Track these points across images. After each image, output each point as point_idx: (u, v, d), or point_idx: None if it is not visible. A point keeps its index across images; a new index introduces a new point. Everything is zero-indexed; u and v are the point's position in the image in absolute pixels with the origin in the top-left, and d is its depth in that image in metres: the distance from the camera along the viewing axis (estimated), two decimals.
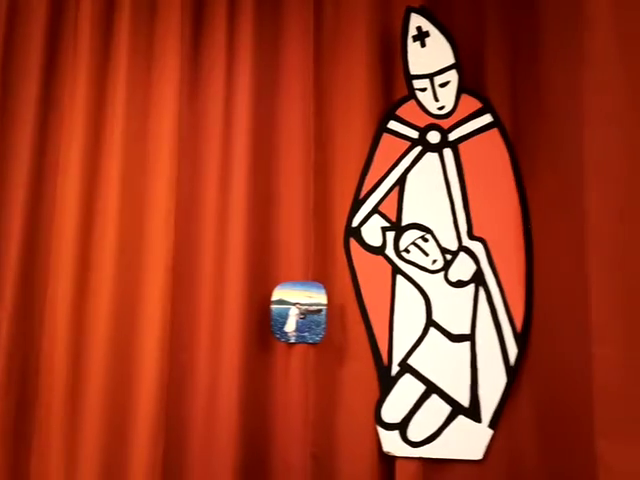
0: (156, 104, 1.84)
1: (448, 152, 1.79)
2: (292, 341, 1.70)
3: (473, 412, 1.63)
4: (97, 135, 1.83)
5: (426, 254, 1.74)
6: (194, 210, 1.83)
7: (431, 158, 1.80)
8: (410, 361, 1.68)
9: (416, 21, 1.78)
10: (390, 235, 1.76)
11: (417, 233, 1.75)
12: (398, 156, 1.81)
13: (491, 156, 1.78)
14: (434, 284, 1.72)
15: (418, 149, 1.80)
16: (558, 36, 1.74)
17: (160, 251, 1.74)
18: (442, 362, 1.67)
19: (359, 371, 1.69)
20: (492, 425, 1.61)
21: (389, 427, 1.64)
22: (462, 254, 1.73)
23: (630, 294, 1.52)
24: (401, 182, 1.79)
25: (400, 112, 1.83)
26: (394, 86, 1.85)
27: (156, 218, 1.77)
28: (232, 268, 1.75)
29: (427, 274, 1.73)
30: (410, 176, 1.80)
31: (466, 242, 1.73)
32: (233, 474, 1.62)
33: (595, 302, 1.54)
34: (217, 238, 1.80)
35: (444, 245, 1.74)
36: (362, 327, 1.72)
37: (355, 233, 1.78)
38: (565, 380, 1.59)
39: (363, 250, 1.77)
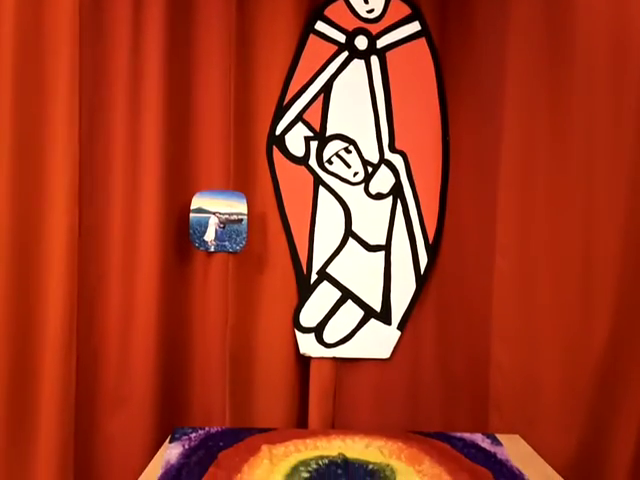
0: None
1: (375, 60, 1.74)
2: (212, 250, 1.68)
3: (384, 316, 1.75)
4: None
5: (348, 166, 1.74)
6: (102, 113, 1.66)
7: (358, 65, 1.75)
8: (328, 270, 1.74)
9: None
10: (314, 145, 1.73)
11: (341, 144, 1.74)
12: (324, 61, 1.73)
13: (417, 66, 1.76)
14: (354, 196, 1.75)
15: (345, 55, 1.74)
16: None
17: (63, 156, 1.58)
18: (358, 270, 1.74)
19: (279, 279, 1.73)
20: (400, 327, 1.75)
21: (306, 330, 1.73)
22: (383, 167, 1.75)
23: (530, 212, 1.67)
24: (327, 89, 1.74)
25: (328, 12, 1.73)
26: None
27: (57, 120, 1.58)
28: (147, 175, 1.65)
29: (348, 186, 1.75)
30: (336, 83, 1.74)
31: (388, 155, 1.75)
32: (152, 381, 1.65)
33: (500, 217, 1.68)
34: (130, 143, 1.66)
35: (366, 157, 1.75)
36: (283, 237, 1.73)
37: (278, 141, 1.73)
38: (469, 288, 1.74)
39: (286, 159, 1.73)
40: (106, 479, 1.65)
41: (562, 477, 1.29)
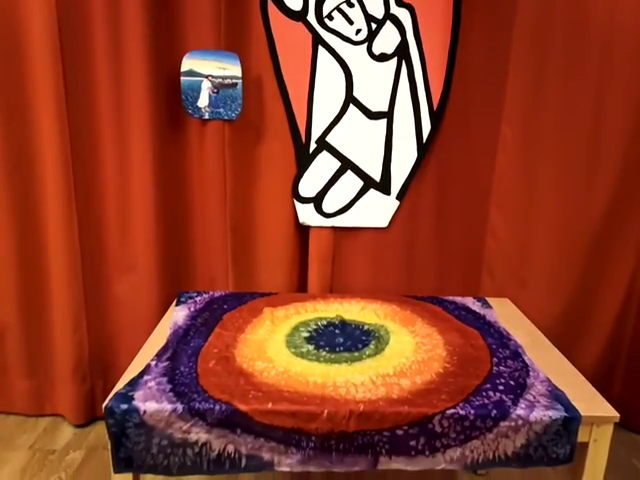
0: None
1: None
2: (206, 117, 1.60)
3: (383, 186, 1.73)
4: None
5: (350, 22, 1.59)
6: None
7: None
8: (328, 138, 1.68)
9: None
10: None
11: None
12: None
13: None
14: (356, 57, 1.62)
15: None
16: None
17: (41, 24, 1.47)
18: (359, 139, 1.69)
19: (277, 149, 1.67)
20: (399, 197, 1.74)
21: (305, 201, 1.72)
22: (388, 23, 1.60)
23: (541, 82, 1.58)
24: None
25: None
26: None
27: None
28: (132, 34, 1.52)
29: (350, 45, 1.61)
30: None
31: (394, 9, 1.59)
32: (156, 249, 1.67)
33: (510, 85, 1.59)
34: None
35: (370, 12, 1.59)
36: (280, 103, 1.64)
37: None
38: (471, 157, 1.71)
39: (282, 15, 1.58)
40: (118, 338, 1.77)
41: (547, 337, 1.38)
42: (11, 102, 1.55)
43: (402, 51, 1.63)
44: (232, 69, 1.55)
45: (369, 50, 1.62)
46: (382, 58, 1.63)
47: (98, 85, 1.58)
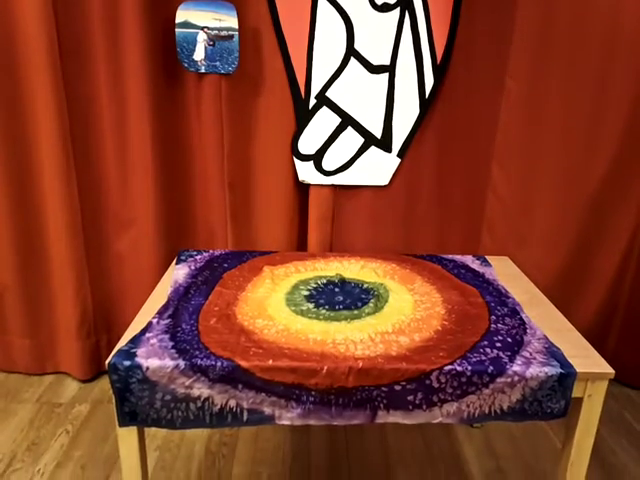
0: None
1: None
2: (202, 71, 1.56)
3: (384, 143, 1.70)
4: None
5: None
6: None
7: None
8: (328, 93, 1.64)
9: None
10: None
11: None
12: None
13: None
14: (358, 7, 1.56)
15: None
16: None
17: None
18: (359, 94, 1.64)
19: (275, 104, 1.64)
20: (400, 154, 1.72)
21: (305, 158, 1.69)
22: None
23: (548, 36, 1.54)
24: None
25: None
26: None
27: None
28: None
29: None
30: None
31: None
32: (155, 206, 1.67)
33: (516, 38, 1.54)
34: None
35: None
36: (279, 56, 1.59)
37: None
38: (474, 113, 1.67)
39: None
40: (121, 293, 1.78)
41: (545, 294, 1.38)
42: (2, 53, 1.50)
43: (405, 1, 1.56)
44: (228, 20, 1.50)
45: (371, 0, 1.56)
46: (384, 8, 1.57)
47: (92, 37, 1.52)
